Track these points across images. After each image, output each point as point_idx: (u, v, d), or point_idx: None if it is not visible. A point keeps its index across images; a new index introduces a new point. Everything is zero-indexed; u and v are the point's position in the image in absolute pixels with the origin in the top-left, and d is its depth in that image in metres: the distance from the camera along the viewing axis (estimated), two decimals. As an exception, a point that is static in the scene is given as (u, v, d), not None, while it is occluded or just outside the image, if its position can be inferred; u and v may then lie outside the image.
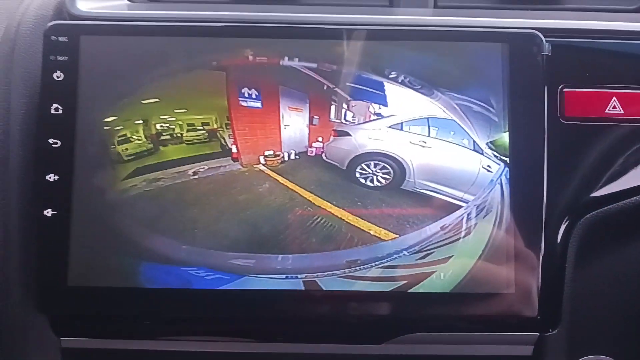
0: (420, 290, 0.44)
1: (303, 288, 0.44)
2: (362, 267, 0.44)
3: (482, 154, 0.45)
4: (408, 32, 0.46)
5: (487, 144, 0.45)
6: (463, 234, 0.44)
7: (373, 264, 0.44)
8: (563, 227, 0.46)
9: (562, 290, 0.45)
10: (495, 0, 0.54)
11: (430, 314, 0.44)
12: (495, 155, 0.45)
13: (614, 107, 0.46)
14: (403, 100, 0.45)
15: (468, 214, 0.44)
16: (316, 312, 0.44)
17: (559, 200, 0.45)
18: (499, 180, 0.44)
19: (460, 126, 0.45)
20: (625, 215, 0.46)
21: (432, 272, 0.44)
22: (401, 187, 0.45)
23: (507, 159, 0.44)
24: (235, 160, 0.45)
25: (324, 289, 0.44)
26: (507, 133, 0.45)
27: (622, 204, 0.46)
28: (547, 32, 0.46)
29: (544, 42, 0.45)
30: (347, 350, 0.47)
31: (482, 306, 0.44)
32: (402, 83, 0.45)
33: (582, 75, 0.47)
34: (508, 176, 0.44)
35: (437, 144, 0.45)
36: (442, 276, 0.44)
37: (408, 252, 0.44)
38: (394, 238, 0.44)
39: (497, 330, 0.46)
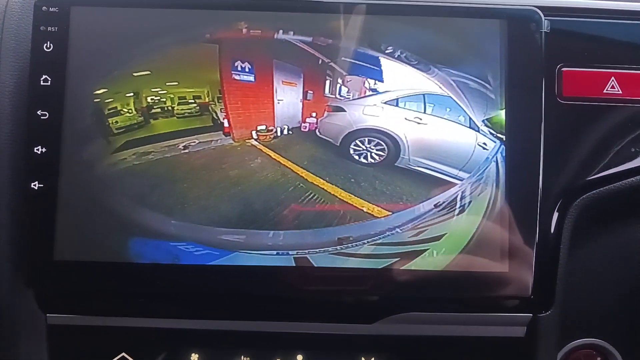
0: (413, 268, 0.43)
1: (294, 264, 0.43)
2: (354, 244, 0.43)
3: (478, 131, 0.44)
4: (405, 6, 0.45)
5: (483, 121, 0.44)
6: (457, 212, 0.44)
7: (365, 241, 0.43)
8: (558, 207, 0.45)
9: (556, 270, 0.45)
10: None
11: (422, 291, 0.44)
12: (491, 133, 0.44)
13: (613, 87, 0.46)
14: (399, 76, 0.44)
15: (462, 192, 0.44)
16: (307, 288, 0.44)
17: (554, 180, 0.45)
18: (494, 158, 0.44)
19: (457, 103, 0.44)
20: (620, 197, 0.46)
21: (425, 250, 0.43)
22: (395, 164, 0.44)
23: (503, 137, 0.44)
24: (227, 134, 0.44)
25: (315, 265, 0.43)
26: (504, 110, 0.44)
27: (618, 186, 0.46)
28: (547, 9, 0.45)
29: (543, 19, 0.45)
30: (338, 330, 0.46)
31: (475, 285, 0.43)
32: (399, 58, 0.44)
33: (581, 55, 0.46)
34: (504, 154, 0.44)
35: (432, 121, 0.44)
36: (435, 254, 0.43)
37: (401, 230, 0.43)
38: (387, 215, 0.43)
39: (490, 311, 0.45)
